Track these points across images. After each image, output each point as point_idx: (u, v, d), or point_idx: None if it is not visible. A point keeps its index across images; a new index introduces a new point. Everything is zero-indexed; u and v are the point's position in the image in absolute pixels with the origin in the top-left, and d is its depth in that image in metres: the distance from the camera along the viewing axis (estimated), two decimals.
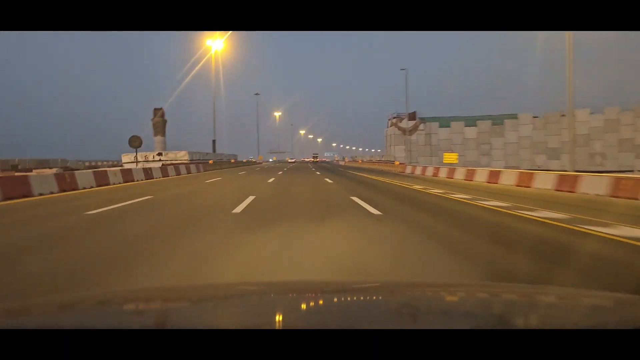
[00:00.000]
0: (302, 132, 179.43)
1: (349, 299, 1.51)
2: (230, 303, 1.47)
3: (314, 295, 1.54)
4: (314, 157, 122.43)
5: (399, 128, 58.03)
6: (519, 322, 1.20)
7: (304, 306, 1.38)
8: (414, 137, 57.41)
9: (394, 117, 60.83)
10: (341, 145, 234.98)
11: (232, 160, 51.37)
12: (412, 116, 57.39)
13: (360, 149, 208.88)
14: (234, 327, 1.06)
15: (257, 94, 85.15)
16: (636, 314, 1.25)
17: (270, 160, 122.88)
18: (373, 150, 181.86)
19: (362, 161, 65.45)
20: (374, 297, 1.55)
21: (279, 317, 1.20)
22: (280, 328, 1.07)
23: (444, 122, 57.38)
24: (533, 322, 1.19)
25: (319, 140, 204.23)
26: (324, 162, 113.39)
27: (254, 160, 76.07)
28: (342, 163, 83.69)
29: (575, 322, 1.19)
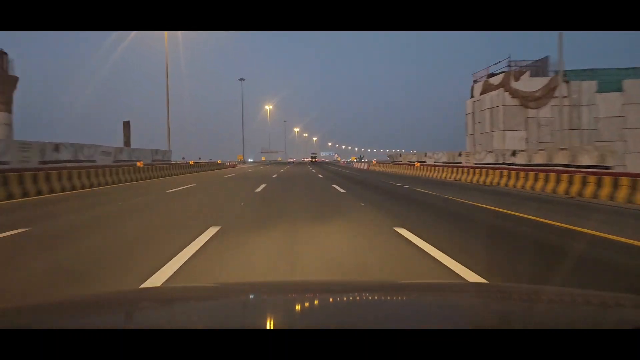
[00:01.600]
0: (296, 129, 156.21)
1: (349, 299, 1.52)
2: (230, 303, 1.49)
3: (313, 295, 1.56)
4: (312, 157, 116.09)
5: (514, 93, 27.58)
6: (519, 322, 1.21)
7: (304, 306, 1.40)
8: (541, 111, 27.32)
9: (494, 74, 30.10)
10: (337, 145, 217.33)
11: (140, 164, 21.16)
12: (539, 68, 27.25)
13: (369, 150, 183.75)
14: (233, 327, 1.07)
15: (241, 79, 72.57)
16: (636, 314, 1.27)
17: (250, 160, 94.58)
18: (386, 150, 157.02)
19: (437, 163, 27.95)
20: (375, 297, 1.55)
21: (279, 317, 1.22)
22: (280, 328, 1.09)
23: (609, 82, 27.23)
24: (533, 322, 1.20)
25: (315, 139, 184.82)
26: (324, 162, 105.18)
27: (220, 162, 44.63)
28: (363, 167, 48.58)
29: (575, 322, 1.20)
